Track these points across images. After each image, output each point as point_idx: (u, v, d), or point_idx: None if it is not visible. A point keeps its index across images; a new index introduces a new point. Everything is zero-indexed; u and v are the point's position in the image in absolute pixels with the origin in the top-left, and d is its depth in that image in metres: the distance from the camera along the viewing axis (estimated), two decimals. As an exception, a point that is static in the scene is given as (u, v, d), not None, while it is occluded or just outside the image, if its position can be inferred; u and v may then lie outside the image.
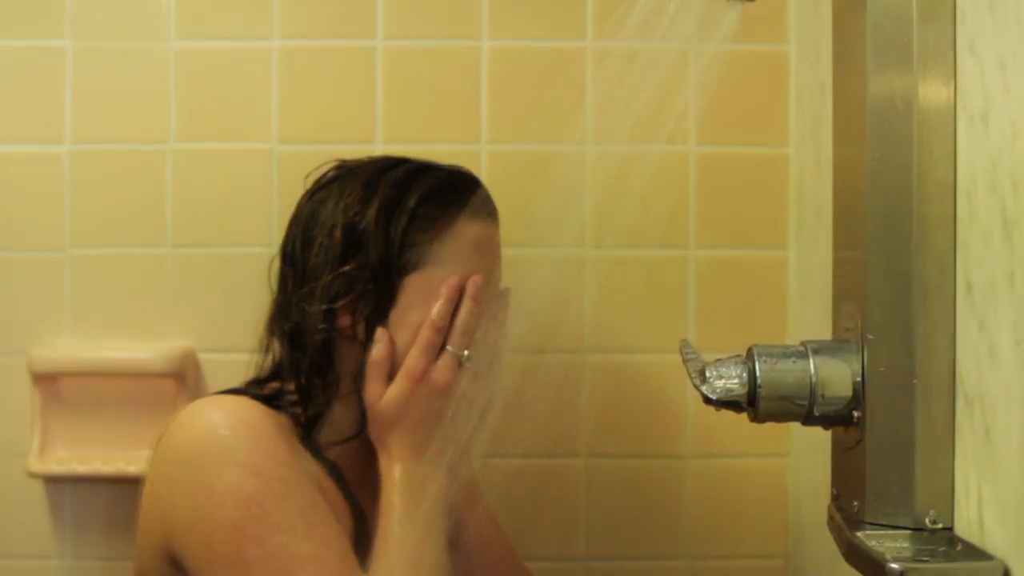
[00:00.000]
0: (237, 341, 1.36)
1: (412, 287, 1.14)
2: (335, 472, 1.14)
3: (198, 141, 1.39)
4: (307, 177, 1.19)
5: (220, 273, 1.39)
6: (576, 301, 1.38)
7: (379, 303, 1.13)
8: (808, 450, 1.30)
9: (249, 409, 1.10)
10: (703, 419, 1.38)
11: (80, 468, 1.34)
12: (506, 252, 1.37)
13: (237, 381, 1.33)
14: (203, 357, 1.39)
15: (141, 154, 1.39)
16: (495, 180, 1.38)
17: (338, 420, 1.15)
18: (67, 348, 1.38)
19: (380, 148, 1.38)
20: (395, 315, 1.14)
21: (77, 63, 1.39)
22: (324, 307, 1.13)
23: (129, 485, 1.36)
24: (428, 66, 1.39)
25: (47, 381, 1.37)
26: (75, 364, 1.36)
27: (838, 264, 0.92)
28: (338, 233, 1.14)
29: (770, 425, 1.21)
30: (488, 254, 1.21)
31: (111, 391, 1.38)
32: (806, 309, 1.33)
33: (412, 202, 1.15)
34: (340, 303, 1.13)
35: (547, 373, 1.38)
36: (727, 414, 0.93)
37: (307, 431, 1.13)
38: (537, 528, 1.39)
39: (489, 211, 1.23)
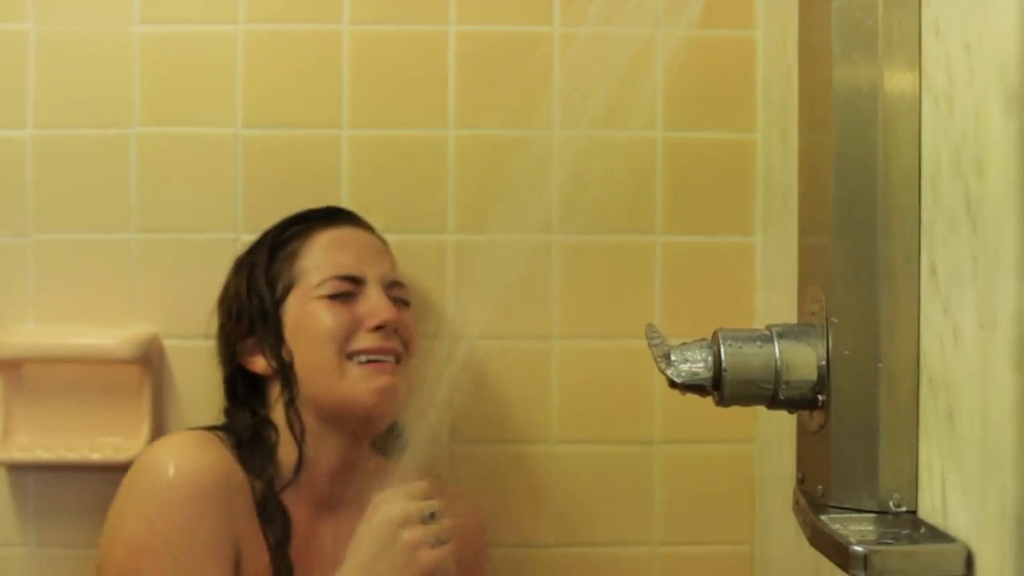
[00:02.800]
0: (202, 327, 1.36)
1: (293, 307, 1.26)
2: (278, 528, 1.20)
3: (162, 126, 1.38)
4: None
5: (185, 259, 1.38)
6: (543, 286, 1.38)
7: (275, 335, 1.25)
8: (774, 436, 1.30)
9: (195, 456, 1.19)
10: (670, 405, 1.38)
11: (44, 455, 1.33)
12: (472, 238, 1.37)
13: (201, 367, 1.33)
14: (168, 343, 1.38)
15: (105, 139, 1.38)
16: (462, 164, 1.38)
17: (285, 462, 1.24)
18: (30, 334, 1.37)
19: (346, 133, 1.38)
20: (289, 335, 1.25)
21: (40, 47, 1.38)
22: (234, 360, 1.28)
23: (93, 472, 1.36)
24: (395, 50, 1.39)
25: (10, 367, 1.35)
26: (39, 350, 1.35)
27: (804, 249, 0.92)
28: (229, 294, 1.30)
29: (736, 411, 1.21)
30: (348, 248, 1.28)
31: (75, 377, 1.37)
32: (773, 294, 1.33)
33: (268, 241, 1.29)
34: (245, 353, 1.27)
35: (514, 359, 1.38)
36: (694, 400, 0.93)
37: (253, 474, 1.22)
38: (505, 514, 1.39)
39: (343, 216, 1.32)
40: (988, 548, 0.66)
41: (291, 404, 1.24)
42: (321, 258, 1.26)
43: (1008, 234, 0.63)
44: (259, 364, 1.27)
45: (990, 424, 0.65)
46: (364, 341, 1.24)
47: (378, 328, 1.24)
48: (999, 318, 0.64)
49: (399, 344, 1.26)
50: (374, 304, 1.25)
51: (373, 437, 1.28)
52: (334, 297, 1.24)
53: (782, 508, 1.24)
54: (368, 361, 1.23)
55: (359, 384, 1.22)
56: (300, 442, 1.24)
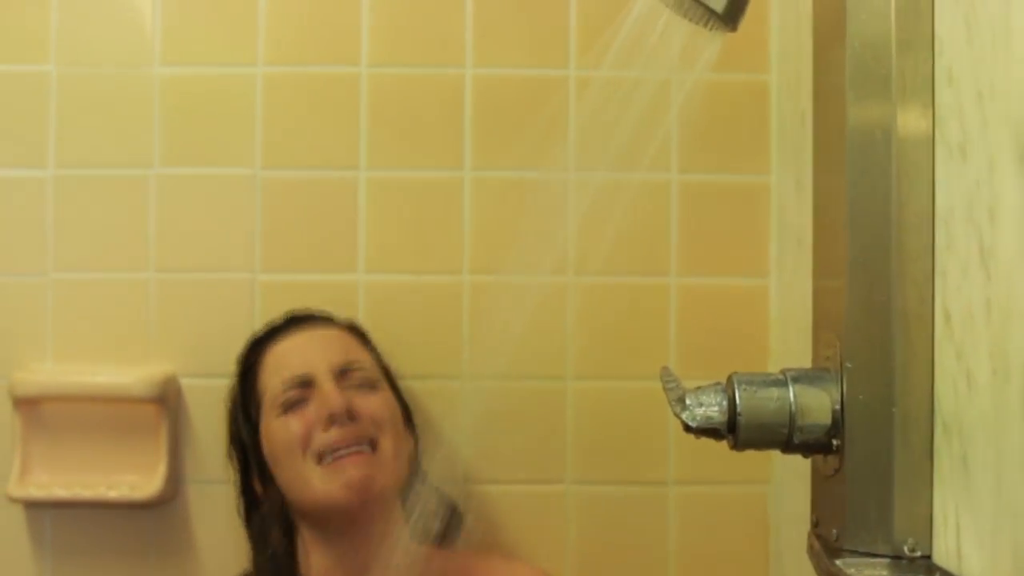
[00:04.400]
0: (219, 366, 1.36)
1: (264, 429, 1.27)
2: None
3: (182, 166, 1.39)
4: None
5: (203, 298, 1.39)
6: (558, 327, 1.39)
7: (258, 460, 1.28)
8: (790, 478, 1.30)
9: None
10: (685, 446, 1.37)
11: (61, 493, 1.34)
12: (488, 279, 1.37)
13: (219, 407, 1.34)
14: (185, 382, 1.39)
15: (124, 179, 1.39)
16: (478, 205, 1.39)
17: None
18: (49, 372, 1.38)
19: (364, 175, 1.38)
20: (267, 457, 1.27)
21: (61, 88, 1.39)
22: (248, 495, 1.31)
23: (109, 510, 1.37)
24: (412, 93, 1.40)
25: (28, 405, 1.36)
26: (56, 388, 1.36)
27: (818, 293, 0.93)
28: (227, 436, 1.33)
29: (751, 453, 1.21)
30: (294, 352, 1.29)
31: (93, 416, 1.37)
32: (787, 337, 1.33)
33: (238, 370, 1.32)
34: (253, 487, 1.30)
35: (530, 399, 1.38)
36: (709, 442, 0.94)
37: None
38: (522, 554, 1.39)
39: (294, 323, 1.33)
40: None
41: (285, 521, 1.27)
42: (273, 374, 1.27)
43: (1021, 285, 0.63)
44: (260, 492, 1.30)
45: (1004, 472, 0.66)
46: (323, 440, 1.23)
47: (332, 422, 1.23)
48: (1012, 367, 0.64)
49: (368, 427, 1.24)
50: (323, 398, 1.24)
51: (381, 523, 1.26)
52: (288, 407, 1.24)
53: (797, 551, 1.23)
54: (336, 459, 1.22)
55: (327, 485, 1.21)
56: (313, 553, 1.26)
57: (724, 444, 0.90)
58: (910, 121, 0.80)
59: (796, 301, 1.27)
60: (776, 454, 1.35)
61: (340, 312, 1.36)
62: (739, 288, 1.40)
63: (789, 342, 1.31)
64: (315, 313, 1.34)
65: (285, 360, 1.28)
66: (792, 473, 1.27)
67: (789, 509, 1.30)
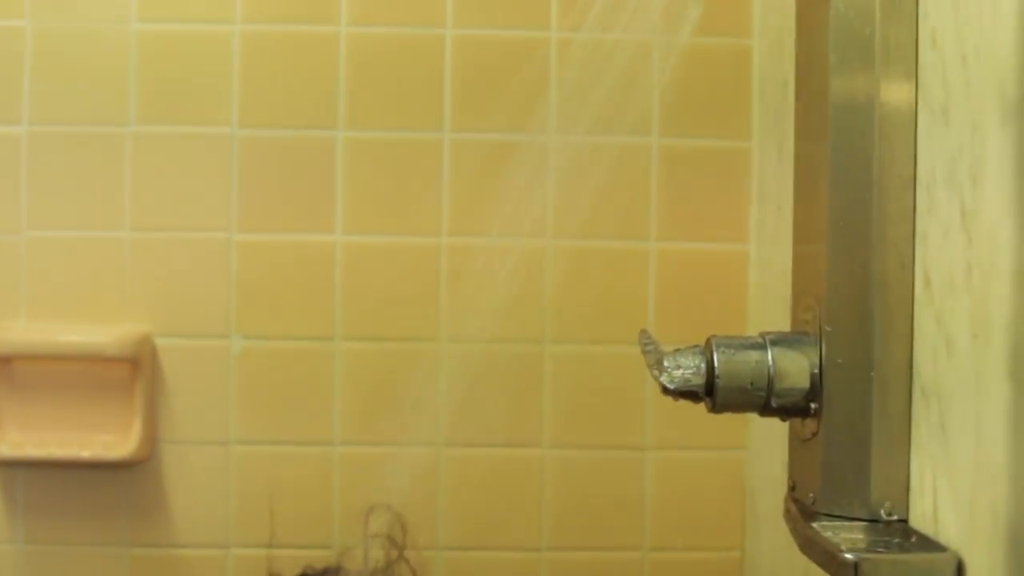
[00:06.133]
0: (195, 326, 1.36)
1: None
2: None
3: (157, 124, 1.38)
4: None
5: (179, 257, 1.38)
6: (536, 290, 1.38)
7: None
8: (765, 444, 1.30)
9: None
10: (662, 411, 1.38)
11: (34, 452, 1.33)
12: (467, 241, 1.37)
13: (193, 366, 1.34)
14: (160, 342, 1.38)
15: (100, 136, 1.37)
16: (458, 168, 1.38)
17: None
18: (22, 331, 1.36)
19: (342, 135, 1.37)
20: None
21: (36, 43, 1.37)
22: None
23: (83, 470, 1.36)
24: (392, 52, 1.39)
25: (1, 364, 1.35)
26: (29, 347, 1.35)
27: (798, 257, 0.92)
28: None
29: (728, 418, 1.21)
30: None
31: (66, 375, 1.36)
32: (766, 303, 1.33)
33: None
34: None
35: (507, 363, 1.38)
36: (686, 406, 0.93)
37: None
38: (497, 518, 1.39)
39: None
40: (979, 558, 0.66)
41: None
42: None
43: (1003, 244, 0.63)
44: None
45: (983, 434, 0.66)
46: None
47: None
48: (994, 328, 0.64)
49: None
50: None
51: None
52: None
53: (772, 515, 1.24)
54: None
55: None
56: None
57: (701, 409, 0.90)
58: (893, 85, 0.80)
59: (775, 267, 1.27)
60: (752, 420, 1.36)
61: (317, 273, 1.36)
62: (718, 253, 1.40)
63: (767, 308, 1.31)
64: None
65: None
66: (768, 439, 1.27)
67: (765, 474, 1.31)
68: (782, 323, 0.93)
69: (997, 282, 0.64)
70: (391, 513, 1.37)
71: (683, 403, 0.90)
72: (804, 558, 1.01)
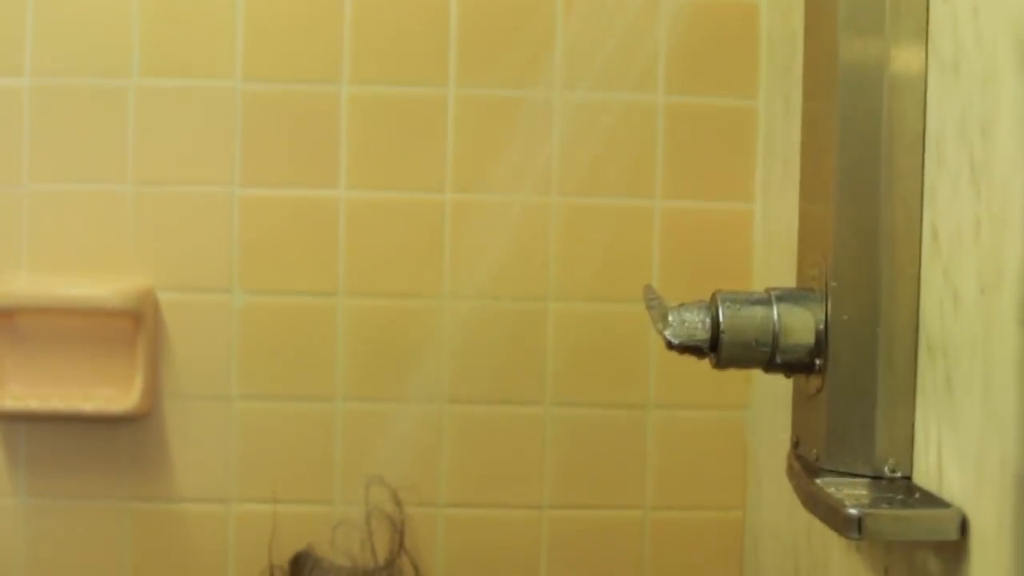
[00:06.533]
0: (197, 280, 1.36)
1: None
2: None
3: (161, 77, 1.37)
4: None
5: (181, 211, 1.37)
6: (540, 247, 1.38)
7: None
8: (768, 403, 1.30)
9: None
10: (665, 370, 1.38)
11: (36, 405, 1.32)
12: (471, 197, 1.36)
13: (196, 320, 1.33)
14: (163, 296, 1.37)
15: (103, 89, 1.36)
16: (462, 123, 1.37)
17: None
18: (24, 284, 1.36)
19: (346, 89, 1.36)
20: None
21: (39, -5, 1.37)
22: None
23: (85, 424, 1.36)
24: (397, 7, 1.37)
25: (3, 317, 1.35)
26: (31, 300, 1.34)
27: (804, 214, 0.92)
28: None
29: (731, 378, 1.22)
30: None
31: (69, 328, 1.36)
32: (771, 263, 1.32)
33: None
34: None
35: (509, 319, 1.38)
36: (689, 365, 0.93)
37: None
38: (498, 475, 1.39)
39: None
40: (986, 510, 0.66)
41: None
42: None
43: (1016, 191, 0.63)
44: None
45: (992, 382, 0.65)
46: None
47: None
48: (1005, 276, 0.63)
49: None
50: None
51: None
52: None
53: (774, 474, 1.24)
54: None
55: None
56: None
57: (704, 368, 0.90)
58: (903, 40, 0.79)
59: (781, 226, 1.26)
60: (755, 379, 1.36)
61: (320, 228, 1.36)
62: (724, 212, 1.39)
63: (772, 267, 1.31)
64: None
65: None
66: (771, 398, 1.27)
67: (767, 434, 1.30)
68: (787, 282, 0.93)
69: (1009, 229, 0.63)
70: (389, 490, 1.37)
71: (686, 362, 0.90)
72: (806, 517, 1.00)
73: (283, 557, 1.36)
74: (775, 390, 1.22)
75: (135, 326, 1.34)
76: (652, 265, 1.39)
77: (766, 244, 1.35)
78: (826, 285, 0.81)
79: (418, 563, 1.37)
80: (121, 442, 1.38)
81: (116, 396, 1.34)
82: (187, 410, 1.38)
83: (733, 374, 1.12)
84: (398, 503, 1.37)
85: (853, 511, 0.70)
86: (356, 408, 1.37)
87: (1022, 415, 0.61)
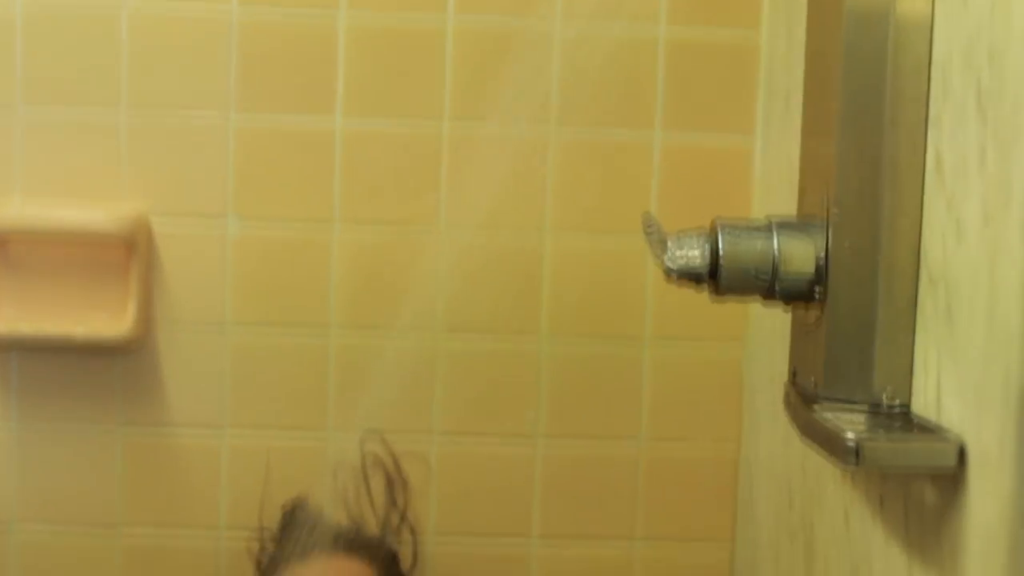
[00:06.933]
0: (191, 206, 1.35)
1: None
2: None
3: (155, 1, 1.35)
4: None
5: (176, 136, 1.36)
6: (538, 179, 1.37)
7: None
8: (765, 338, 1.30)
9: None
10: (662, 302, 1.37)
11: (27, 328, 1.32)
12: (469, 126, 1.35)
13: (189, 246, 1.33)
14: (156, 221, 1.36)
15: (97, 13, 1.35)
16: (461, 53, 1.36)
17: None
18: (16, 208, 1.35)
19: (344, 13, 1.35)
20: None
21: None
22: None
23: (77, 351, 1.35)
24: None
25: (-4, 242, 1.34)
26: (24, 224, 1.33)
27: (807, 147, 0.91)
28: None
29: (728, 311, 1.21)
30: None
31: (62, 255, 1.35)
32: (770, 198, 1.32)
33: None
34: None
35: (506, 250, 1.37)
36: (686, 298, 0.93)
37: None
38: (493, 407, 1.39)
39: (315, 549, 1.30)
40: (985, 437, 0.66)
41: None
42: None
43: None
44: None
45: (996, 309, 0.64)
46: None
47: None
48: (1013, 199, 0.62)
49: None
50: None
51: None
52: None
53: (770, 408, 1.24)
54: None
55: None
56: None
57: (702, 302, 0.90)
58: (910, -33, 0.78)
59: (782, 161, 1.25)
60: (752, 313, 1.36)
61: (315, 155, 1.35)
62: (724, 145, 1.38)
63: (772, 201, 1.30)
64: (349, 535, 1.33)
65: None
66: (768, 333, 1.27)
67: (763, 370, 1.30)
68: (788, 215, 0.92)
69: (1018, 150, 0.62)
70: (386, 448, 1.37)
71: (683, 294, 0.90)
72: (800, 450, 1.00)
73: (276, 491, 1.36)
74: (772, 324, 1.22)
75: (128, 252, 1.34)
76: (651, 198, 1.38)
77: (766, 178, 1.34)
78: (827, 214, 0.81)
79: (414, 524, 1.37)
80: (114, 369, 1.37)
81: (109, 322, 1.33)
82: (180, 337, 1.37)
83: (730, 308, 1.11)
84: (395, 460, 1.37)
85: (851, 438, 0.70)
86: (350, 336, 1.37)
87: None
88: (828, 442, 0.73)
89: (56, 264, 1.36)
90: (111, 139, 1.36)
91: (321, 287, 1.37)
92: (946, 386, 0.72)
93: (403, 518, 1.36)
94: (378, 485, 1.36)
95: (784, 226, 0.84)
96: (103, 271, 1.35)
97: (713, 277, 0.83)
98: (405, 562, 1.35)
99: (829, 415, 0.75)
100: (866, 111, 0.79)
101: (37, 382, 1.38)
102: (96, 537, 1.38)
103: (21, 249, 1.36)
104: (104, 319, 1.34)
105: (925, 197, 0.77)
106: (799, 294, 0.82)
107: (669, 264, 0.83)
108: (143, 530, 1.39)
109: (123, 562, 1.39)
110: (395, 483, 1.36)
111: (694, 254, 0.82)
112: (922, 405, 0.75)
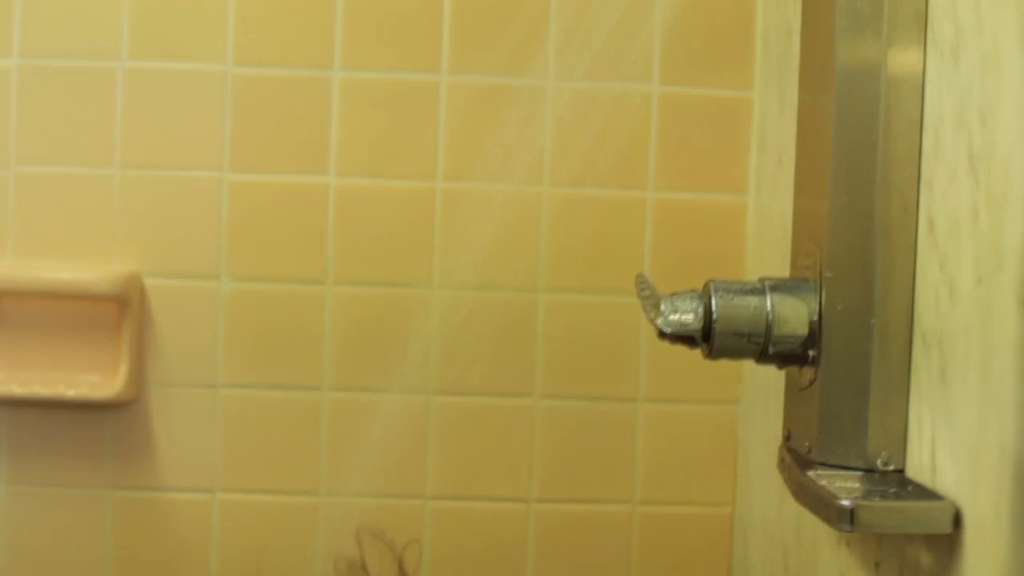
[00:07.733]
0: (184, 266, 1.34)
1: None
2: None
3: (150, 60, 1.35)
4: None
5: (169, 196, 1.35)
6: (531, 237, 1.36)
7: None
8: (759, 398, 1.29)
9: None
10: (656, 363, 1.37)
11: (18, 390, 1.31)
12: (461, 185, 1.35)
13: (182, 307, 1.32)
14: (149, 281, 1.36)
15: (91, 71, 1.35)
16: (454, 110, 1.36)
17: None
18: (9, 267, 1.34)
19: (338, 75, 1.35)
20: None
21: (28, -25, 1.35)
22: None
23: (69, 410, 1.34)
24: (389, -7, 1.36)
25: (-13, 301, 1.34)
26: (16, 284, 1.33)
27: (799, 206, 0.91)
28: None
29: (721, 372, 1.21)
30: None
31: (53, 313, 1.35)
32: (763, 257, 1.31)
33: None
34: None
35: (499, 309, 1.37)
36: (680, 358, 0.92)
37: None
38: (486, 467, 1.38)
39: None
40: (981, 502, 0.65)
41: None
42: None
43: (1018, 172, 0.61)
44: None
45: (991, 370, 0.64)
46: None
47: None
48: (1006, 259, 0.62)
49: None
50: None
51: None
52: None
53: (764, 470, 1.23)
54: None
55: None
56: None
57: (695, 361, 0.89)
58: (901, 28, 0.78)
59: (774, 220, 1.25)
60: (746, 373, 1.35)
61: (309, 214, 1.34)
62: (717, 204, 1.38)
63: (765, 261, 1.30)
64: None
65: None
66: (762, 393, 1.26)
67: (758, 430, 1.29)
68: (780, 275, 0.92)
69: (1011, 211, 0.62)
70: (386, 541, 1.37)
71: (677, 355, 0.89)
72: (795, 512, 1.00)
73: (268, 550, 1.35)
74: (766, 385, 1.21)
75: (121, 312, 1.33)
76: (644, 257, 1.38)
77: (759, 237, 1.34)
78: (820, 275, 0.80)
79: None
80: (105, 429, 1.36)
81: (100, 382, 1.33)
82: (172, 397, 1.36)
83: (724, 368, 1.11)
84: (395, 555, 1.36)
85: (846, 502, 0.69)
86: (343, 398, 1.36)
87: (1023, 400, 0.60)
88: (823, 506, 0.72)
89: (48, 323, 1.35)
90: (104, 197, 1.35)
91: (314, 347, 1.36)
92: (941, 449, 0.71)
93: None
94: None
95: (777, 287, 0.83)
96: (95, 330, 1.34)
97: (707, 339, 0.83)
98: None
99: (824, 479, 0.74)
100: (858, 171, 0.79)
101: (27, 442, 1.36)
102: (85, 599, 1.37)
103: (12, 307, 1.35)
104: (95, 379, 1.33)
105: (918, 258, 0.76)
106: (793, 356, 0.82)
107: (663, 326, 0.82)
108: (133, 592, 1.38)
109: (112, 625, 1.38)
110: None
111: (687, 318, 0.82)
112: (917, 468, 0.75)
